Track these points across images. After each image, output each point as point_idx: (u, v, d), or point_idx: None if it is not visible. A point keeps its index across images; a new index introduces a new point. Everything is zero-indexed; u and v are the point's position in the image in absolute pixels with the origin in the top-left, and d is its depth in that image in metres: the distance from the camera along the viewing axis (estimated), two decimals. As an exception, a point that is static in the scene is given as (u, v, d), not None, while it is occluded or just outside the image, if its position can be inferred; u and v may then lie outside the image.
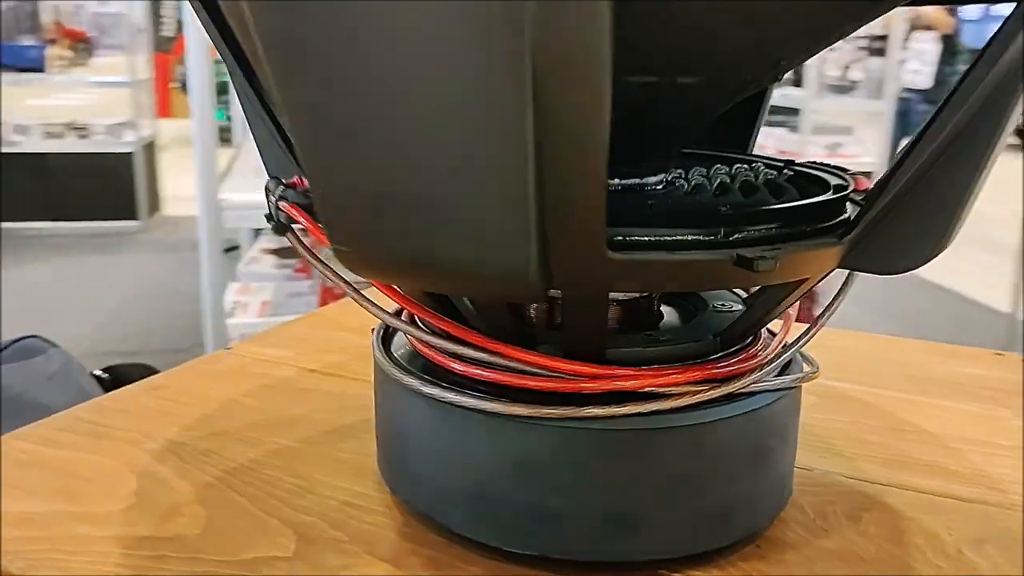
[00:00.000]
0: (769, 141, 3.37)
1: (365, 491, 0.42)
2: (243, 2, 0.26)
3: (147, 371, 1.24)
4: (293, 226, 0.38)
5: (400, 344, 0.41)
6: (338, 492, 0.41)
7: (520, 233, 0.27)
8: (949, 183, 0.32)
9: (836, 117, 3.74)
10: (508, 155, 0.25)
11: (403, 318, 0.39)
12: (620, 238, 0.30)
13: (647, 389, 0.34)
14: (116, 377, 1.14)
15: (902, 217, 0.33)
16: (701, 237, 0.31)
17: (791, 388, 0.37)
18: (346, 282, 0.39)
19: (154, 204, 4.49)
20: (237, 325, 1.51)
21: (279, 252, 1.95)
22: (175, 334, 2.81)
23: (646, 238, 0.30)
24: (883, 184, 0.34)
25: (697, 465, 0.35)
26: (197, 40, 1.38)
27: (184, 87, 6.91)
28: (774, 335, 0.40)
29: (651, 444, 0.34)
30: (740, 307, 0.40)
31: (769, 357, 0.37)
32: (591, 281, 0.30)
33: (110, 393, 0.52)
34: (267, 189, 0.37)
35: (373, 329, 0.48)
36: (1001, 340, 2.75)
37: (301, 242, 0.39)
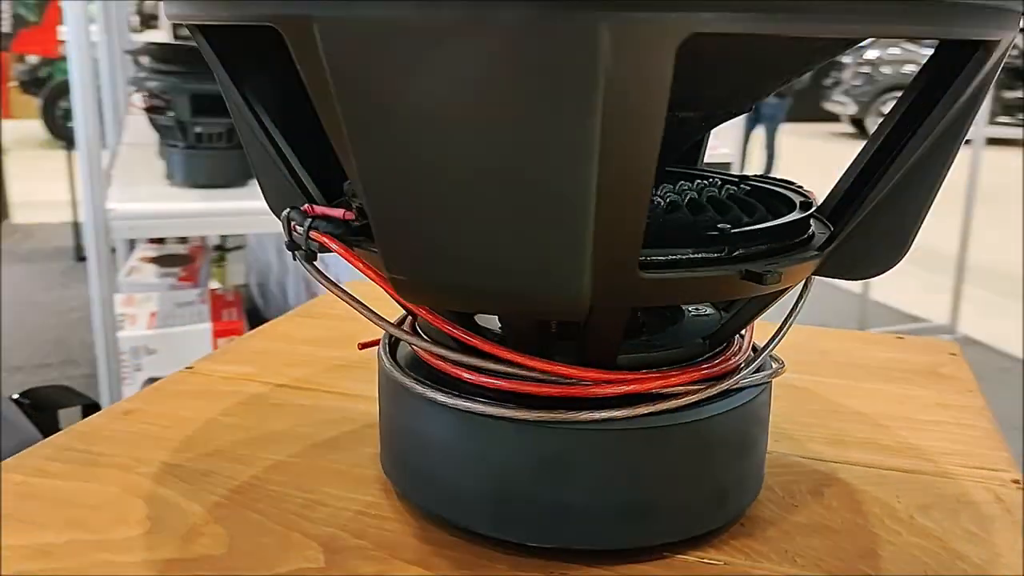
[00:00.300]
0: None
1: (374, 499, 0.44)
2: (328, 74, 0.28)
3: (70, 393, 1.19)
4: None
5: (402, 353, 0.44)
6: (348, 502, 0.43)
7: (577, 262, 0.30)
8: (912, 200, 0.37)
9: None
10: (572, 193, 0.29)
11: (404, 327, 0.42)
12: (643, 258, 0.34)
13: (654, 391, 0.38)
14: (36, 401, 1.09)
15: (872, 231, 0.37)
16: (711, 255, 0.35)
17: (767, 382, 0.42)
18: (367, 308, 0.41)
19: (1, 211, 4.24)
20: (128, 338, 1.47)
21: (159, 261, 1.89)
22: (38, 349, 2.68)
23: (665, 258, 0.34)
24: (848, 201, 0.39)
25: (699, 456, 0.39)
26: (77, 39, 1.33)
27: (24, 86, 6.52)
28: (742, 336, 0.45)
29: (661, 440, 0.38)
30: (713, 311, 0.45)
31: (751, 356, 0.41)
32: (622, 299, 0.33)
33: (84, 421, 0.52)
34: (288, 219, 0.39)
35: (361, 345, 0.50)
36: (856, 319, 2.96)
37: (317, 269, 0.41)
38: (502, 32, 0.26)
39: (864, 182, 0.39)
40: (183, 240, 2.25)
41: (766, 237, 0.36)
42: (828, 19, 0.27)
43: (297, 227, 0.39)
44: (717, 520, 0.40)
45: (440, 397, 0.39)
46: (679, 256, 0.34)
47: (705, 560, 0.40)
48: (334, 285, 0.41)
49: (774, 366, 0.44)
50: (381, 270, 0.36)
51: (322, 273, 0.40)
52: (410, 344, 0.41)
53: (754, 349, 0.44)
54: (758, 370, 0.42)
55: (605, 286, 0.32)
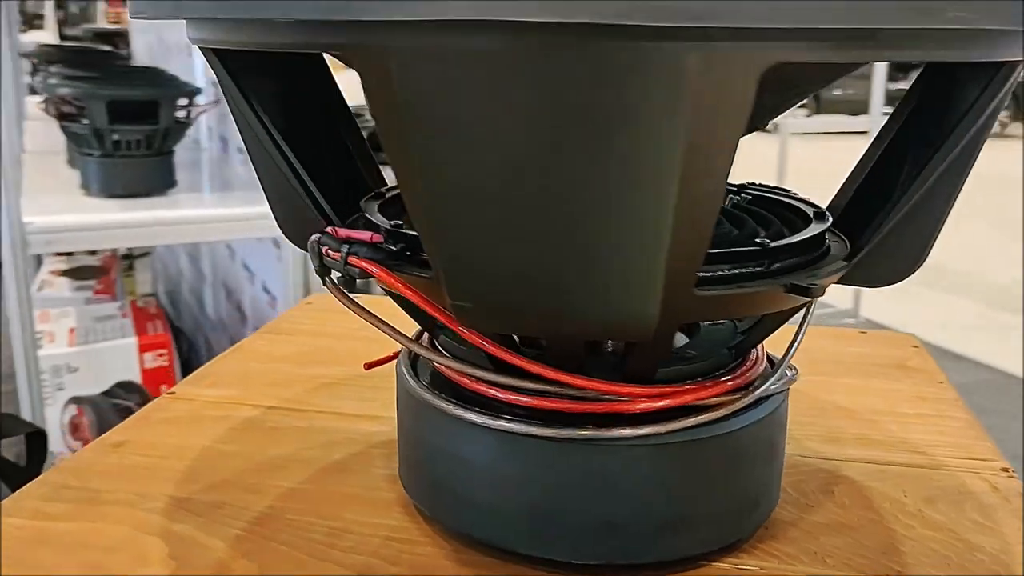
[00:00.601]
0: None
1: (400, 523, 0.43)
2: (400, 103, 0.28)
3: (19, 422, 1.13)
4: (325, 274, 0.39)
5: (422, 372, 0.43)
6: (374, 528, 0.43)
7: (651, 285, 0.30)
8: (932, 213, 0.38)
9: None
10: (653, 217, 0.29)
11: (424, 345, 0.41)
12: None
13: (691, 403, 0.38)
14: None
15: (893, 244, 0.39)
16: (754, 269, 0.35)
17: (786, 389, 0.43)
18: (393, 329, 0.40)
19: None
20: (48, 356, 1.41)
21: (71, 273, 1.81)
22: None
23: (713, 273, 0.35)
24: (862, 212, 0.40)
25: (735, 466, 0.40)
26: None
27: None
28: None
29: (701, 453, 0.38)
30: (727, 321, 0.45)
31: (767, 365, 0.42)
32: (681, 317, 0.34)
33: (73, 456, 0.50)
34: (319, 244, 0.38)
35: (368, 365, 0.49)
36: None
37: (346, 294, 0.40)
38: (589, 60, 0.26)
39: (875, 194, 0.40)
40: (92, 251, 2.17)
41: (801, 250, 0.37)
42: (898, 47, 0.28)
43: (330, 252, 0.38)
44: (749, 527, 0.41)
45: (477, 418, 0.39)
46: (726, 272, 0.35)
47: (741, 567, 0.40)
48: (361, 308, 0.40)
49: (789, 373, 0.45)
50: (432, 296, 0.36)
51: (350, 297, 0.40)
52: (440, 365, 0.41)
53: (768, 359, 0.45)
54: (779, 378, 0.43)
55: (668, 306, 0.32)
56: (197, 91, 1.55)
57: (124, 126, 1.42)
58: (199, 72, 1.95)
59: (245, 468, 0.48)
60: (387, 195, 0.46)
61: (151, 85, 1.49)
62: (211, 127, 1.97)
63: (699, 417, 0.38)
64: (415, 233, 0.38)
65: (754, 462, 0.40)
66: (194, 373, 0.62)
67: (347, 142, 0.47)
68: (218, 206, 1.53)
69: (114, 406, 1.47)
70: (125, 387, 1.46)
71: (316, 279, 0.40)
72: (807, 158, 3.85)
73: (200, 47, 0.39)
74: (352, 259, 0.37)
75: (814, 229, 0.39)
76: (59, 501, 0.45)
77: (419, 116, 0.28)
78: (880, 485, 0.48)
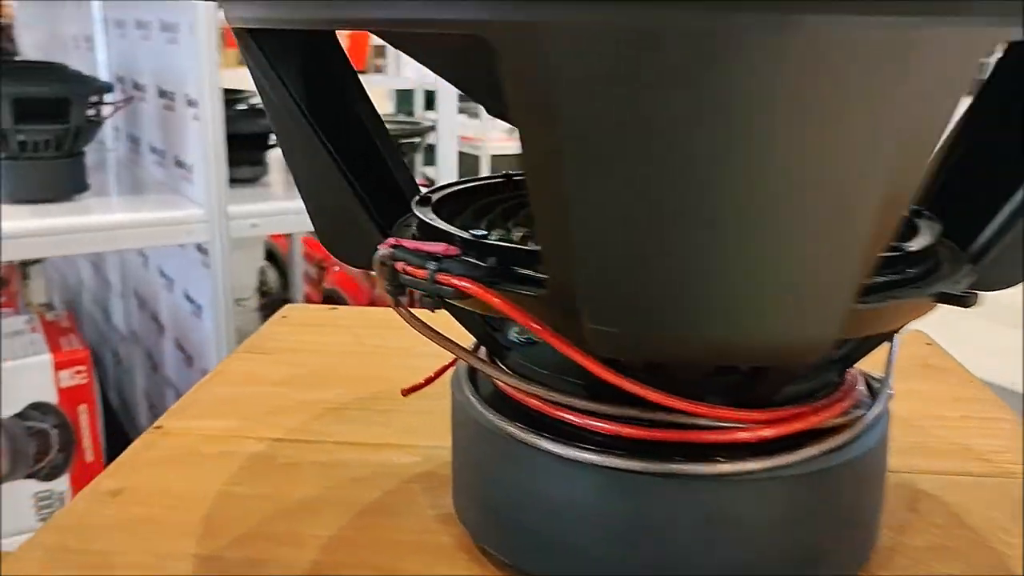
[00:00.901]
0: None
1: (470, 571, 0.38)
2: (554, 95, 0.23)
3: None
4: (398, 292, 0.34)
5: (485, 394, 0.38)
6: (444, 581, 0.38)
7: (841, 301, 0.26)
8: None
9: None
10: (847, 226, 0.25)
11: (484, 355, 0.36)
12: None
13: (815, 427, 0.35)
14: None
15: (1014, 247, 0.36)
16: (898, 277, 0.32)
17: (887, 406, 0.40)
18: (464, 350, 0.35)
19: None
20: (-49, 379, 1.28)
21: (-34, 286, 1.66)
22: None
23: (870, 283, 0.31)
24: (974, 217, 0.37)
25: (862, 490, 0.36)
26: None
27: None
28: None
29: (835, 480, 0.34)
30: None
31: (882, 382, 0.39)
32: (844, 333, 0.30)
33: (64, 511, 0.43)
34: (392, 258, 0.32)
35: (406, 391, 0.44)
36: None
37: (412, 314, 0.34)
38: (808, 42, 0.22)
39: (967, 187, 0.37)
40: (-15, 260, 2.00)
41: (932, 256, 0.34)
42: None
43: (408, 268, 0.32)
44: (867, 555, 0.38)
45: (579, 454, 0.34)
46: (881, 281, 0.31)
47: (863, 602, 0.37)
48: (440, 336, 0.35)
49: (888, 390, 0.41)
50: (539, 316, 0.31)
51: (428, 326, 0.34)
52: (526, 393, 0.36)
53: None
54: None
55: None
56: (108, 88, 1.44)
57: (31, 126, 1.31)
58: (102, 68, 1.83)
59: (271, 515, 0.42)
60: (433, 199, 0.40)
61: (59, 81, 1.37)
62: (118, 127, 1.85)
63: (831, 441, 0.34)
64: (508, 244, 0.33)
65: (873, 485, 0.37)
66: (177, 403, 0.55)
67: (377, 142, 0.42)
68: (135, 210, 1.42)
69: (28, 429, 1.35)
70: (40, 409, 1.35)
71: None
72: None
73: (243, 28, 0.33)
74: (442, 277, 0.31)
75: (931, 229, 0.36)
76: (63, 569, 0.38)
77: (576, 110, 0.23)
78: (962, 499, 0.45)
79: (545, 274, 0.30)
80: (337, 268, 2.48)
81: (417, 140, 1.49)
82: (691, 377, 0.33)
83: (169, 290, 1.65)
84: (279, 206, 1.42)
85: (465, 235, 0.33)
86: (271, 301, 2.62)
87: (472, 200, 0.42)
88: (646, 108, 0.23)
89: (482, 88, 0.40)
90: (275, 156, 1.68)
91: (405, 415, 0.53)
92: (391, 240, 0.34)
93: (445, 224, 0.35)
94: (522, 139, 0.25)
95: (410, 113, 3.79)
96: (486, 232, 0.34)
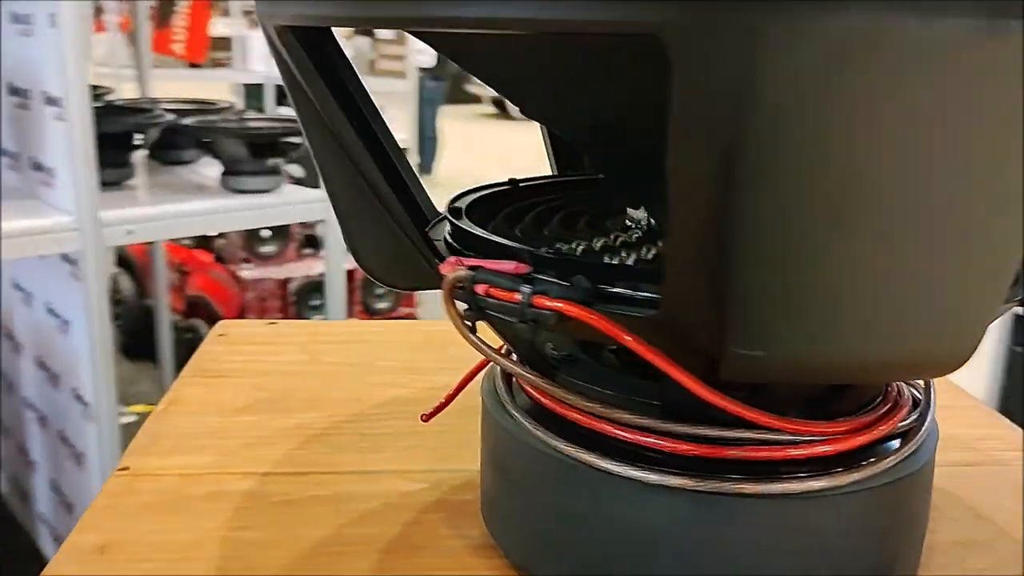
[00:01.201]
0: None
1: (530, 609, 0.36)
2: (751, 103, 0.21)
3: None
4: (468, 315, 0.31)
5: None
6: (506, 620, 0.35)
7: (988, 315, 0.25)
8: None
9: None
10: (1010, 249, 0.24)
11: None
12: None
13: (885, 435, 0.34)
14: None
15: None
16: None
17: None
18: (537, 374, 0.33)
19: None
20: None
21: None
22: None
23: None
24: None
25: (922, 502, 0.36)
26: None
27: None
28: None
29: (905, 491, 0.34)
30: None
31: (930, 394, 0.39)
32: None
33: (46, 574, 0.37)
34: (472, 280, 0.30)
35: (426, 416, 0.41)
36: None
37: (485, 344, 0.32)
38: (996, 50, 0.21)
39: None
40: None
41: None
42: None
43: (495, 292, 0.30)
44: (917, 566, 0.38)
45: (652, 476, 0.32)
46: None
47: (922, 605, 0.37)
48: (493, 350, 0.32)
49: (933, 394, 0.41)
50: (652, 339, 0.29)
51: (480, 340, 0.32)
52: (601, 419, 0.34)
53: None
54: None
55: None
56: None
57: None
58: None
59: (287, 561, 0.38)
60: (463, 209, 0.38)
61: None
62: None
63: (905, 450, 0.34)
64: (599, 261, 0.31)
65: (929, 491, 0.37)
66: (136, 440, 0.49)
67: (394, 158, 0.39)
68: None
69: None
70: None
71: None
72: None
73: (299, 25, 0.29)
74: (541, 300, 0.29)
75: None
76: (73, 646, 0.33)
77: (766, 118, 0.22)
78: (966, 491, 0.46)
79: (658, 294, 0.28)
80: (199, 272, 2.37)
81: (301, 140, 1.43)
82: (780, 395, 0.32)
83: (27, 304, 1.52)
84: (156, 211, 1.33)
85: (545, 252, 0.31)
86: (127, 310, 2.47)
87: (493, 209, 0.40)
88: (842, 116, 0.21)
89: (527, 90, 0.38)
90: (140, 158, 1.58)
91: (392, 438, 0.50)
92: (465, 260, 0.31)
93: (497, 237, 0.33)
94: (676, 148, 0.23)
95: (260, 109, 3.66)
96: (561, 247, 0.32)
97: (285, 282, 2.20)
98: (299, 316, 2.21)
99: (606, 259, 0.33)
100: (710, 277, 0.25)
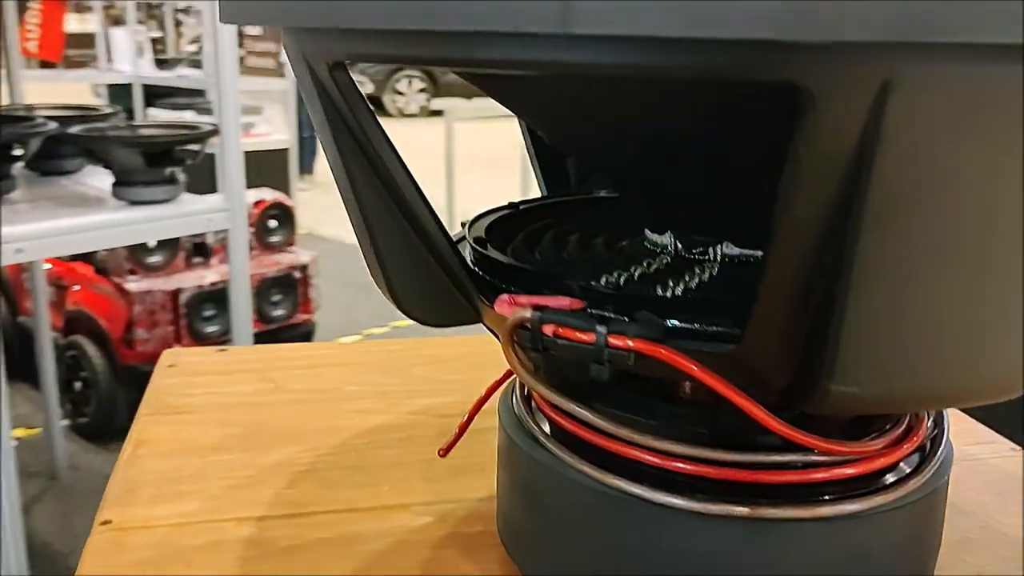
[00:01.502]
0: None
1: (576, 645, 0.35)
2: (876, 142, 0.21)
3: None
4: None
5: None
6: (555, 659, 0.35)
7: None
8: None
9: (244, 98, 3.74)
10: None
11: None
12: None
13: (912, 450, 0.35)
14: None
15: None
16: None
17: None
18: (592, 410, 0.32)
19: None
20: None
21: None
22: None
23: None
24: None
25: (943, 510, 0.37)
26: None
27: None
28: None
29: (938, 501, 0.35)
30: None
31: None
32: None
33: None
34: (539, 321, 0.29)
35: (443, 451, 0.40)
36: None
37: (548, 385, 0.31)
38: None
39: None
40: None
41: None
42: None
43: (564, 331, 0.29)
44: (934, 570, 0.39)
45: (705, 506, 0.32)
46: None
47: (945, 607, 0.38)
48: (565, 397, 0.32)
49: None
50: (727, 375, 0.29)
51: (556, 389, 0.31)
52: (633, 445, 0.33)
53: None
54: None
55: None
56: None
57: None
58: None
59: (317, 612, 0.37)
60: (488, 239, 0.37)
61: None
62: None
63: (934, 461, 0.35)
64: (655, 295, 0.31)
65: (943, 511, 0.38)
66: (110, 488, 0.46)
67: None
68: None
69: None
70: None
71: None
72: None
73: (351, 61, 0.28)
74: (618, 339, 0.28)
75: None
76: None
77: (897, 161, 0.22)
78: (981, 481, 0.48)
79: (729, 327, 0.28)
80: (77, 287, 2.25)
81: (197, 147, 1.37)
82: (823, 418, 0.33)
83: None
84: (47, 226, 1.25)
85: (603, 286, 0.31)
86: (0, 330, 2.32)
87: (507, 234, 0.39)
88: (969, 159, 0.22)
89: (555, 119, 0.37)
90: (19, 169, 1.48)
91: (384, 470, 0.49)
92: (518, 299, 0.30)
93: (541, 268, 0.32)
94: (795, 189, 0.23)
95: (129, 111, 3.50)
96: (622, 280, 0.31)
97: (175, 293, 2.11)
98: (192, 329, 2.13)
99: (658, 291, 0.32)
100: (803, 315, 0.25)
